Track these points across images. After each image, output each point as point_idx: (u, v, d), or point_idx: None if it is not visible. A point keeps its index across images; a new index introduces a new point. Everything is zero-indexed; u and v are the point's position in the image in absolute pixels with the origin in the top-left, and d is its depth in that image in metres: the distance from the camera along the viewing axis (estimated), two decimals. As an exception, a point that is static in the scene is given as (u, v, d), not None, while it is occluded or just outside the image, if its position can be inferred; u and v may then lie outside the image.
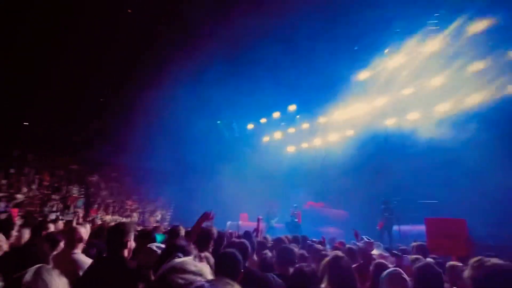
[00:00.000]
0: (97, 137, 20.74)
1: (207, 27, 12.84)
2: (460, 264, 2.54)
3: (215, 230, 2.97)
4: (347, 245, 4.30)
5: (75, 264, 2.46)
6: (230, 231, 6.11)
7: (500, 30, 8.85)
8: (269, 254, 3.19)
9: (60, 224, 5.72)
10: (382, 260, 2.78)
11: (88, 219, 13.18)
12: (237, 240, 3.61)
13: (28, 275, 1.26)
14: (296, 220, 11.44)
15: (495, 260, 1.39)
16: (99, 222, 12.72)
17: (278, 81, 13.15)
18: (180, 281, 0.83)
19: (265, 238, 5.15)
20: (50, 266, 1.45)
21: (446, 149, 10.24)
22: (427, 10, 10.16)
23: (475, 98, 10.35)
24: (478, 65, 9.73)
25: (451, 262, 2.50)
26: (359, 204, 13.35)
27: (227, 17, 11.88)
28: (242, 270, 2.14)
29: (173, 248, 2.13)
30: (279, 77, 12.96)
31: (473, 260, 1.45)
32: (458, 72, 10.17)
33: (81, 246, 2.71)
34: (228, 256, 2.16)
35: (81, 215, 7.07)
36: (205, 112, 17.14)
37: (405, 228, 8.96)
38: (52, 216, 13.92)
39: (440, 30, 9.93)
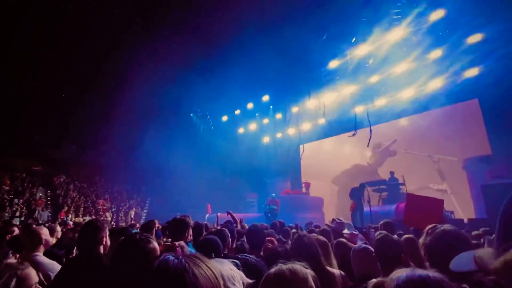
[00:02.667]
0: (61, 135, 19.63)
1: (179, 21, 12.48)
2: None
3: (189, 220, 2.98)
4: (321, 227, 4.50)
5: (36, 266, 2.35)
6: (206, 223, 6.12)
7: (456, 18, 9.43)
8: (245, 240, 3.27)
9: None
10: (342, 239, 2.95)
11: (58, 222, 12.55)
12: (214, 229, 3.66)
13: None
14: (275, 208, 11.66)
15: (445, 226, 1.52)
16: (70, 224, 12.16)
17: (250, 72, 13.12)
18: None
19: (242, 227, 5.22)
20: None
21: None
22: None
23: (436, 83, 11.07)
24: (437, 52, 10.36)
25: (409, 235, 2.70)
26: (334, 190, 13.87)
27: (199, 10, 11.64)
28: (222, 255, 2.20)
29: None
30: (252, 68, 12.93)
31: (427, 227, 1.57)
32: (420, 59, 10.76)
33: (42, 248, 2.59)
34: (209, 241, 2.22)
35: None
36: (178, 105, 16.76)
37: (375, 208, 9.46)
38: (16, 222, 13.11)
39: (403, 19, 10.38)
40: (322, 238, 2.56)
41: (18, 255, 2.75)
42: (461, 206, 10.73)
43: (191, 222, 3.02)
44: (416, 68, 11.02)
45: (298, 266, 1.22)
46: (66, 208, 16.60)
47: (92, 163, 20.53)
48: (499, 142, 9.73)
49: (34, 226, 3.07)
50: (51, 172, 18.68)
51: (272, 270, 1.22)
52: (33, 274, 1.40)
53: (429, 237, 1.43)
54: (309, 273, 1.22)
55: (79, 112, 19.48)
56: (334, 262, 2.41)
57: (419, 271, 0.88)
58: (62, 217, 15.38)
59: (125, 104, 15.38)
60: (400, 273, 0.90)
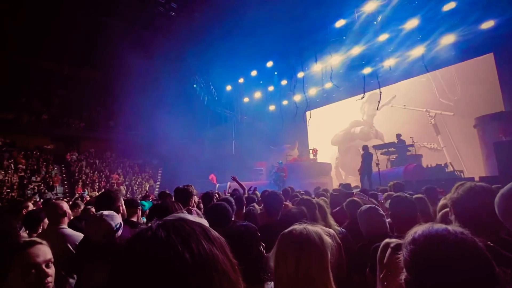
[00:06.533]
0: (68, 113, 19.79)
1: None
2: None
3: (192, 188, 3.06)
4: (330, 191, 4.57)
5: (65, 238, 2.42)
6: (217, 191, 6.29)
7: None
8: (256, 206, 3.34)
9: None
10: (355, 198, 2.99)
11: (75, 197, 13.08)
12: (224, 197, 3.74)
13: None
14: (283, 174, 11.80)
15: (477, 183, 1.48)
16: (87, 198, 12.69)
17: (252, 37, 12.59)
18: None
19: (255, 194, 5.33)
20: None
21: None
22: None
23: (449, 39, 10.50)
24: (451, 4, 9.66)
25: (419, 195, 2.71)
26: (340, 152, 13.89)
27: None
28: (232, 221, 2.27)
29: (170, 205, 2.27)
30: (253, 33, 12.39)
31: (456, 184, 1.54)
32: (432, 12, 10.09)
33: (66, 220, 2.66)
34: (218, 208, 2.27)
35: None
36: (181, 76, 16.48)
37: (384, 171, 9.51)
38: (37, 199, 13.71)
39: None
40: (321, 201, 2.63)
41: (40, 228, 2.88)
42: (472, 165, 10.72)
43: (194, 191, 3.10)
44: (428, 23, 10.38)
45: (323, 232, 1.22)
46: (81, 183, 17.20)
47: (101, 140, 20.86)
48: (513, 98, 9.42)
49: (54, 200, 3.17)
50: (63, 150, 19.12)
51: (298, 228, 1.23)
52: (46, 250, 1.35)
53: (458, 191, 1.40)
54: (330, 243, 1.23)
55: (82, 89, 19.39)
56: (332, 222, 2.49)
57: (438, 225, 0.84)
58: (79, 192, 16.00)
59: (127, 78, 15.19)
60: (418, 229, 0.87)
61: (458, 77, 11.98)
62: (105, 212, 1.85)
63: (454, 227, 0.83)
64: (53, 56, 16.40)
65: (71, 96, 19.99)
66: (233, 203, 2.75)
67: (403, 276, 0.84)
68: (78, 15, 13.13)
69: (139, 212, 2.96)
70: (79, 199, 10.19)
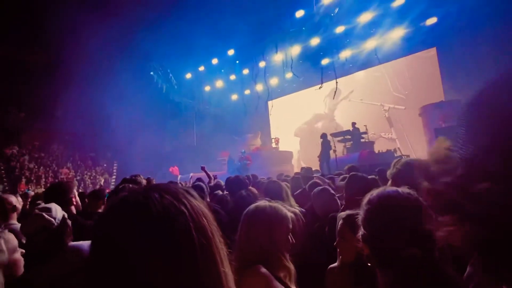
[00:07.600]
0: (4, 101, 17.63)
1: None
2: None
3: (141, 179, 2.98)
4: (291, 176, 4.74)
5: (17, 234, 2.22)
6: (181, 182, 6.16)
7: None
8: (220, 192, 3.36)
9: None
10: (317, 180, 3.17)
11: (19, 194, 11.84)
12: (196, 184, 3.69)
13: None
14: (248, 162, 11.89)
15: (412, 159, 1.66)
16: (32, 194, 11.58)
17: (212, 23, 12.27)
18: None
19: (217, 183, 5.32)
20: None
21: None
22: None
23: (398, 33, 11.30)
24: (400, 0, 10.36)
25: (373, 176, 2.94)
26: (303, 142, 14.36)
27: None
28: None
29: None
30: (214, 19, 12.08)
31: (393, 161, 1.69)
32: (383, 7, 10.73)
33: (15, 216, 2.51)
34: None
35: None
36: (136, 63, 15.51)
37: (341, 157, 10.08)
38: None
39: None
40: (283, 184, 2.76)
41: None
42: (418, 149, 11.86)
43: (143, 182, 3.02)
44: (380, 18, 11.04)
45: (280, 206, 1.27)
46: (25, 180, 15.61)
47: (46, 131, 18.98)
48: (452, 88, 10.50)
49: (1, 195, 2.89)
50: (1, 144, 17.08)
51: (256, 204, 1.29)
52: (12, 237, 1.36)
53: (395, 168, 1.56)
54: (289, 214, 1.28)
55: (21, 73, 17.37)
56: (293, 203, 2.63)
57: (389, 188, 0.96)
58: (22, 189, 14.50)
59: (76, 63, 13.93)
60: (372, 192, 0.97)
61: (407, 70, 12.98)
62: (42, 206, 1.60)
63: (403, 189, 0.94)
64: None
65: (8, 81, 17.75)
66: (205, 190, 2.76)
67: (360, 232, 0.94)
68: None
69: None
70: (24, 196, 9.22)
